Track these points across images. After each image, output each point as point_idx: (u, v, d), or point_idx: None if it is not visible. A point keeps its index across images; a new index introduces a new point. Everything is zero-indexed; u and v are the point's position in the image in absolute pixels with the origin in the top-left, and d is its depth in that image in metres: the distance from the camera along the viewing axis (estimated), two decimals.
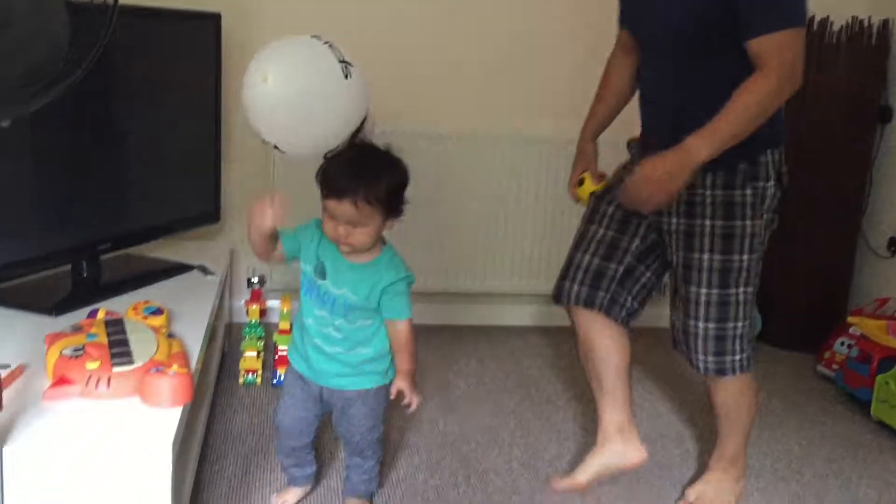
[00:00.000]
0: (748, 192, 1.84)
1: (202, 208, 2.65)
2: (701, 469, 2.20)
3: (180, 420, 1.48)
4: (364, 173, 1.69)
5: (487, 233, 3.19)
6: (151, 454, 1.39)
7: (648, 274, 2.02)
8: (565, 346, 3.08)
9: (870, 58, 3.01)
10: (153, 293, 2.19)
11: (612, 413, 2.07)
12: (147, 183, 2.37)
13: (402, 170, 1.73)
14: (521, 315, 3.32)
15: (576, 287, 2.01)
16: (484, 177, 3.13)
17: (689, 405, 2.64)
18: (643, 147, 1.95)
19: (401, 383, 1.75)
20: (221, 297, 2.64)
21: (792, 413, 2.67)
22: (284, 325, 2.62)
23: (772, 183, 1.87)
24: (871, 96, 3.05)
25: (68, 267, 2.17)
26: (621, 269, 2.00)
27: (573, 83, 2.66)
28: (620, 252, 2.00)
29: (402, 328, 1.79)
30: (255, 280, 2.86)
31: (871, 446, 2.47)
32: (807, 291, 3.16)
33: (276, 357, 2.58)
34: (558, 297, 2.06)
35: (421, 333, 3.12)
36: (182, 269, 2.42)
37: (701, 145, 1.70)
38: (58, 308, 1.96)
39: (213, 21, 2.51)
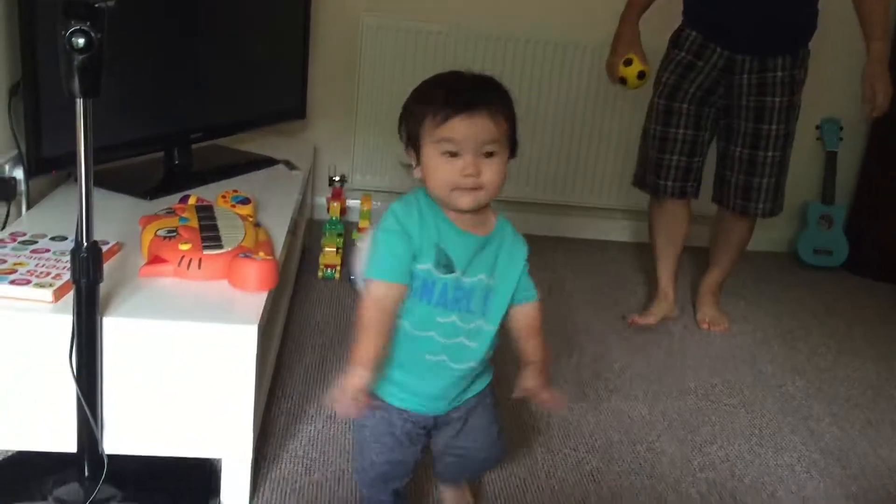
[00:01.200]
0: (803, 70, 2.32)
1: (289, 104, 2.68)
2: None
3: (265, 304, 1.54)
4: (491, 82, 1.35)
5: (563, 143, 3.15)
6: (239, 333, 1.45)
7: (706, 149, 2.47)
8: (642, 259, 3.06)
9: None
10: (241, 183, 2.24)
11: (671, 275, 2.59)
12: (236, 76, 2.41)
13: None
14: (598, 228, 3.30)
15: (670, 184, 2.45)
16: (561, 84, 3.08)
17: None
18: (708, 30, 2.32)
19: (536, 379, 1.37)
20: (304, 193, 2.70)
21: (873, 342, 2.61)
22: (364, 224, 2.66)
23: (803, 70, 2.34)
24: None
25: (161, 154, 2.24)
26: (702, 161, 2.45)
27: None
28: (699, 147, 2.42)
29: (537, 310, 1.38)
30: (337, 178, 2.90)
31: None
32: None
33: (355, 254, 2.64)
34: (656, 191, 2.48)
35: None
36: (268, 162, 2.47)
37: (884, 47, 2.28)
38: (152, 192, 2.03)
39: None
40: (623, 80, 2.36)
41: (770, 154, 2.33)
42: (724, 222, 2.54)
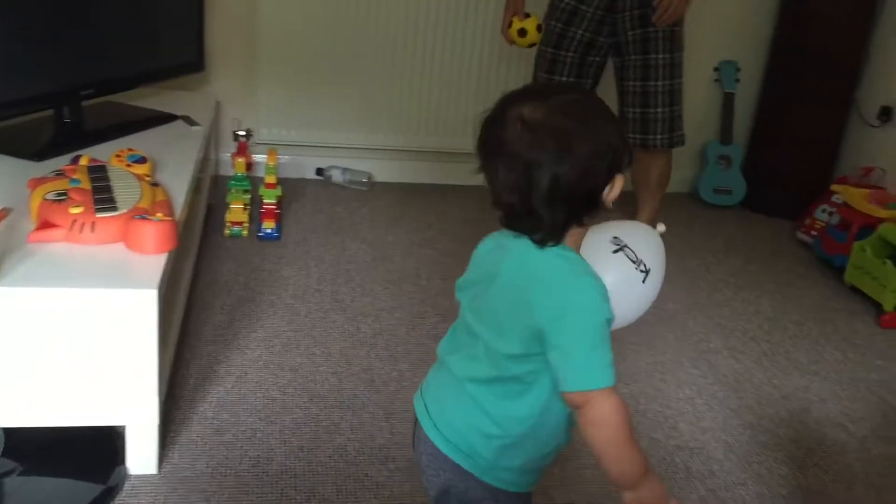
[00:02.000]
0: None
1: (186, 56, 2.59)
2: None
3: (165, 266, 1.51)
4: None
5: (478, 91, 3.15)
6: (137, 298, 1.42)
7: None
8: None
9: None
10: (137, 142, 2.16)
11: None
12: (129, 27, 2.30)
13: None
14: None
15: None
16: (478, 38, 3.06)
17: None
18: None
19: None
20: (207, 149, 2.63)
21: (767, 277, 2.73)
22: (271, 179, 2.62)
23: None
24: None
25: (51, 112, 2.14)
26: None
27: None
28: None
29: None
30: (242, 133, 2.83)
31: (841, 310, 2.55)
32: (795, 160, 3.17)
33: (263, 210, 2.60)
34: None
35: (406, 190, 3.15)
36: (166, 118, 2.39)
37: None
38: (40, 153, 1.94)
39: None
40: (511, 41, 2.49)
41: (661, 83, 2.42)
42: (637, 163, 2.62)
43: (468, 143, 3.25)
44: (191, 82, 2.83)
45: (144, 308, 1.42)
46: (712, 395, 2.02)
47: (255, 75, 3.00)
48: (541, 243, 1.02)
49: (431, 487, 1.13)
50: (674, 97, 2.45)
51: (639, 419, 1.88)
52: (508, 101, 1.03)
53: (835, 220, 2.84)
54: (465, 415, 1.06)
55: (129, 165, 1.82)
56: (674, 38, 2.40)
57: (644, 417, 1.90)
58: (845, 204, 2.81)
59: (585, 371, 0.97)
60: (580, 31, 2.44)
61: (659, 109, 2.45)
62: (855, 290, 2.63)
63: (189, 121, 2.43)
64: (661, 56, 2.40)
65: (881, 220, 2.61)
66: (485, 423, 1.05)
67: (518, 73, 3.14)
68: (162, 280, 1.47)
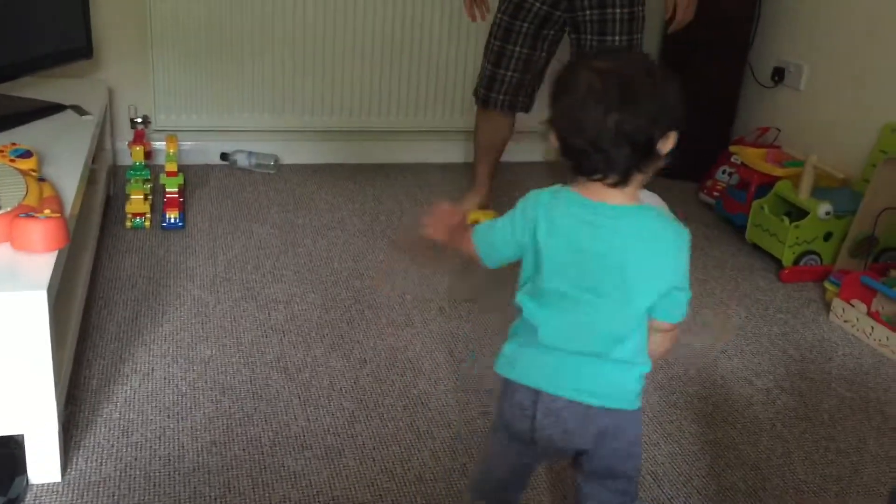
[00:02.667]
0: None
1: (73, 42, 2.47)
2: None
3: (55, 265, 1.44)
4: None
5: (383, 69, 3.11)
6: (26, 300, 1.35)
7: (543, 68, 2.56)
8: (462, 181, 3.11)
9: None
10: (22, 135, 2.06)
11: (488, 173, 2.75)
12: (6, 14, 2.18)
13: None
14: (418, 152, 3.30)
15: (501, 97, 2.56)
16: (381, 14, 3.01)
17: None
18: None
19: None
20: (101, 139, 2.53)
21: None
22: (171, 167, 2.53)
23: None
24: None
25: None
26: (533, 77, 2.55)
27: None
28: (533, 64, 2.52)
29: None
30: (139, 120, 2.74)
31: (744, 268, 2.63)
32: (692, 122, 3.22)
33: (165, 199, 2.52)
34: (486, 104, 2.59)
35: (314, 171, 3.10)
36: (54, 108, 2.29)
37: None
38: None
39: None
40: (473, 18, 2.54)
41: None
42: None
43: (375, 121, 3.25)
44: (80, 69, 2.70)
45: (34, 310, 1.36)
46: None
47: (150, 59, 2.89)
48: (614, 185, 1.16)
49: (575, 446, 1.26)
50: None
51: None
52: (583, 57, 1.36)
53: (734, 180, 2.93)
54: (610, 368, 1.21)
55: (12, 161, 1.73)
56: (633, 20, 2.39)
57: None
58: (743, 164, 2.89)
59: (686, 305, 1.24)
60: (537, 4, 2.43)
61: None
62: (756, 248, 2.72)
63: (79, 110, 2.32)
64: (617, 38, 2.39)
65: (778, 179, 2.70)
66: (626, 365, 1.22)
67: (424, 49, 3.11)
68: (52, 280, 1.41)
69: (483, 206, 2.76)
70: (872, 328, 2.21)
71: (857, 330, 2.26)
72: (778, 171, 2.74)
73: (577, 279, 1.18)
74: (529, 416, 1.24)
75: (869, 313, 2.25)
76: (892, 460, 1.77)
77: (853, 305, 2.29)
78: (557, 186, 1.23)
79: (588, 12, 2.39)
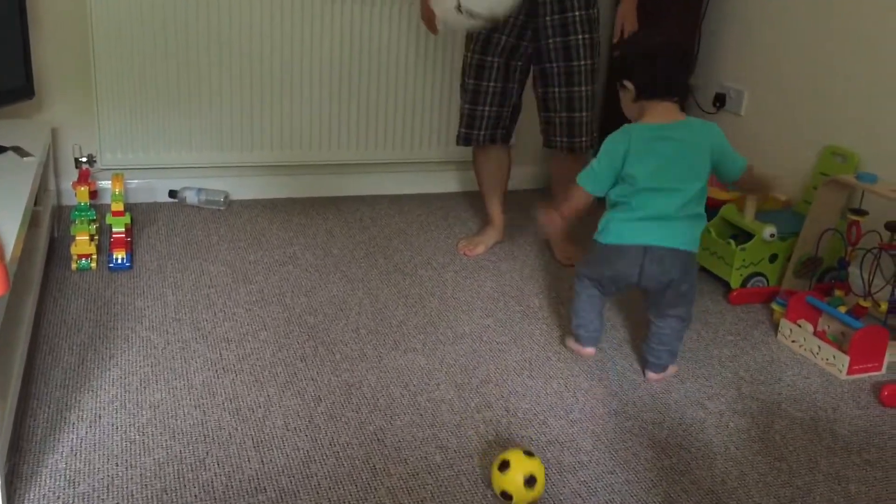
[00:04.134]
0: (595, 10, 2.52)
1: (12, 83, 2.43)
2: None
3: None
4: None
5: (332, 103, 3.11)
6: None
7: (518, 99, 2.69)
8: (414, 213, 3.12)
9: None
10: None
11: (499, 207, 2.87)
12: None
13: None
14: (369, 184, 3.30)
15: (482, 132, 2.68)
16: (328, 48, 3.02)
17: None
18: None
19: None
20: (45, 180, 2.48)
21: None
22: (118, 207, 2.49)
23: (594, 9, 2.55)
24: None
25: None
26: (510, 109, 2.67)
27: None
28: (508, 97, 2.65)
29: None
30: (83, 159, 2.69)
31: None
32: None
33: (112, 239, 2.48)
34: (468, 141, 2.71)
35: (264, 206, 3.08)
36: None
37: None
38: None
39: None
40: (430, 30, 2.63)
41: (584, 88, 2.55)
42: (558, 165, 2.76)
43: (325, 154, 3.24)
44: (21, 109, 2.67)
45: None
46: (578, 386, 2.07)
47: (94, 97, 2.85)
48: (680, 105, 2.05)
49: (669, 277, 2.00)
50: (594, 101, 2.61)
51: (509, 419, 1.91)
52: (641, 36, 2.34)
53: None
54: (690, 224, 2.01)
55: None
56: (593, 45, 2.53)
57: (514, 417, 1.92)
58: None
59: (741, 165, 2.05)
60: (504, 37, 2.54)
61: (584, 113, 2.58)
62: (704, 271, 2.76)
63: (20, 151, 2.28)
64: (582, 63, 2.53)
65: (723, 202, 2.75)
66: (696, 220, 2.02)
67: (373, 82, 3.12)
68: None
69: (499, 241, 2.88)
70: (819, 347, 2.26)
71: (805, 350, 2.30)
72: (723, 195, 2.79)
73: (664, 176, 1.96)
74: (638, 264, 1.99)
75: (815, 333, 2.30)
76: (844, 479, 1.80)
77: (800, 325, 2.33)
78: (625, 126, 2.04)
79: (552, 40, 2.51)
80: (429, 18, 2.59)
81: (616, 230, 2.01)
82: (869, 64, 2.61)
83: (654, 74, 2.00)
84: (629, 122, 2.08)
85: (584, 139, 2.61)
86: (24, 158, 2.26)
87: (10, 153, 2.27)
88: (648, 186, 1.96)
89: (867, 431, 1.97)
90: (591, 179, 2.06)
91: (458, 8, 2.15)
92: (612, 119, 3.24)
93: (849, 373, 2.19)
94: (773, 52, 2.97)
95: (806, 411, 2.04)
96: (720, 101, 3.20)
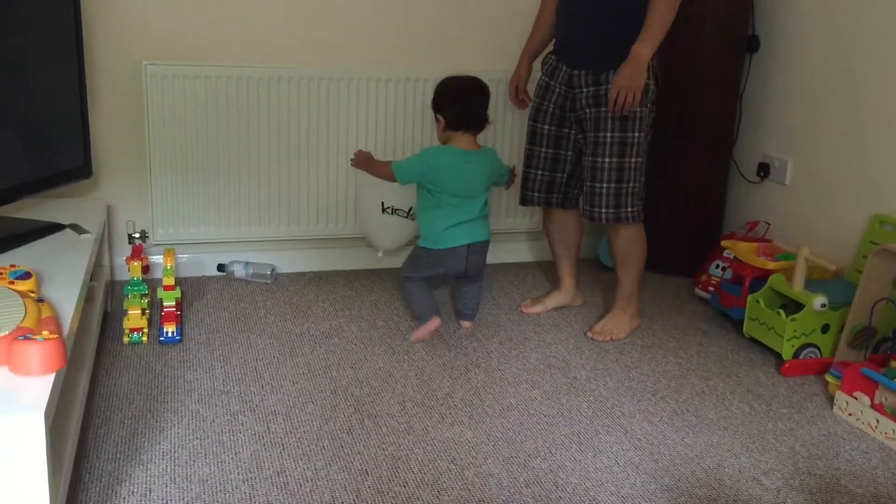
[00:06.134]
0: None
1: (72, 164, 2.52)
2: (588, 387, 2.29)
3: (53, 387, 1.43)
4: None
5: None
6: (23, 426, 1.34)
7: (574, 167, 2.75)
8: (454, 286, 3.13)
9: None
10: (22, 256, 2.09)
11: (566, 271, 2.93)
12: (8, 138, 2.24)
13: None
14: None
15: (535, 194, 2.80)
16: (372, 125, 3.10)
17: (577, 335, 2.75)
18: (557, 51, 2.67)
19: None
20: (100, 255, 2.55)
21: (671, 335, 2.80)
22: (169, 281, 2.55)
23: (650, 81, 2.51)
24: (738, 26, 3.15)
25: None
26: (565, 175, 2.75)
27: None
28: (560, 163, 2.74)
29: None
30: (137, 235, 2.77)
31: (744, 362, 2.63)
32: (684, 218, 3.29)
33: (163, 314, 2.52)
34: (523, 201, 2.85)
35: (311, 279, 3.12)
36: (53, 228, 2.32)
37: (644, 49, 2.43)
38: None
39: None
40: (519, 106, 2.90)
41: (607, 160, 2.56)
42: (609, 238, 2.79)
43: None
44: (79, 188, 2.76)
45: (31, 435, 1.35)
46: (629, 461, 2.03)
47: (148, 176, 2.94)
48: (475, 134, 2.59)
49: (479, 267, 2.65)
50: (623, 174, 2.57)
51: (559, 495, 1.87)
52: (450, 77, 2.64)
53: (728, 274, 2.95)
54: (486, 221, 2.64)
55: (11, 283, 1.74)
56: (624, 118, 2.52)
57: (564, 493, 1.89)
58: (736, 258, 2.92)
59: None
60: (551, 105, 2.67)
61: (604, 185, 2.58)
62: (755, 342, 2.72)
63: (78, 229, 2.36)
64: (609, 134, 2.54)
65: (771, 272, 2.72)
66: (487, 217, 2.65)
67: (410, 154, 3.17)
68: (50, 403, 1.40)
69: (567, 304, 2.95)
70: (878, 421, 2.19)
71: (863, 423, 2.24)
72: (771, 265, 2.76)
73: (469, 189, 2.55)
74: (465, 258, 2.57)
75: (873, 406, 2.24)
76: None
77: (856, 398, 2.27)
78: (441, 146, 2.60)
79: (587, 110, 2.57)
80: (515, 91, 2.83)
81: (447, 237, 2.55)
82: None
83: (460, 112, 2.53)
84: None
85: (603, 210, 2.59)
86: (82, 235, 2.32)
87: (68, 230, 2.34)
88: (459, 194, 2.53)
89: None
90: (401, 171, 2.55)
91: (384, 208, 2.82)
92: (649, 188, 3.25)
93: None
94: (816, 120, 2.97)
95: (867, 487, 1.97)
96: (764, 170, 3.20)
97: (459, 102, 2.53)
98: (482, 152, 2.59)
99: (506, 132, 3.21)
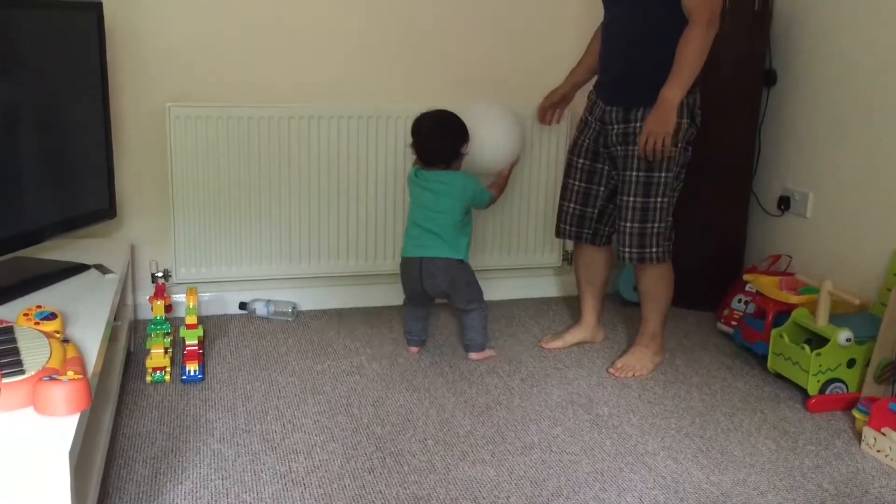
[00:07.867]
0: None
1: (96, 205, 2.56)
2: (613, 424, 2.27)
3: (77, 428, 1.44)
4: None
5: (395, 214, 3.19)
6: (48, 466, 1.35)
7: (612, 207, 2.73)
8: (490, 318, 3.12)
9: (754, 22, 3.12)
10: (48, 296, 2.12)
11: (589, 306, 2.92)
12: (34, 180, 2.28)
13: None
14: None
15: (566, 227, 2.82)
16: (392, 162, 3.13)
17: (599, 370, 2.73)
18: (596, 86, 2.70)
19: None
20: (124, 295, 2.58)
21: (694, 370, 2.78)
22: (191, 320, 2.57)
23: (686, 119, 2.50)
24: (756, 60, 3.16)
25: None
26: (595, 211, 2.75)
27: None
28: (592, 198, 2.75)
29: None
30: (160, 274, 2.79)
31: (769, 398, 2.59)
32: (704, 252, 3.28)
33: (185, 352, 2.54)
34: (557, 233, 2.86)
35: (331, 316, 3.13)
36: (78, 269, 2.35)
37: (672, 92, 2.41)
38: None
39: (94, 10, 2.42)
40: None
41: (632, 199, 2.56)
42: (636, 276, 2.78)
43: (389, 264, 3.28)
44: (103, 229, 2.80)
45: (56, 474, 1.36)
46: (654, 499, 2.00)
47: (171, 216, 2.98)
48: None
49: (436, 286, 2.70)
50: (648, 214, 2.56)
51: None
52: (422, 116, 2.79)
53: (751, 308, 2.93)
54: (444, 238, 2.70)
55: (37, 323, 1.77)
56: (652, 160, 2.50)
57: None
58: (759, 293, 2.90)
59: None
60: (587, 140, 2.69)
61: (629, 224, 2.59)
62: (780, 377, 2.69)
63: (102, 269, 2.38)
64: (635, 173, 2.54)
65: (794, 306, 2.70)
66: (455, 232, 2.70)
67: None
68: (74, 443, 1.41)
69: (587, 340, 2.93)
70: None
71: (891, 460, 2.20)
72: (794, 299, 2.74)
73: (422, 206, 2.71)
74: (419, 269, 2.71)
75: None
76: None
77: (885, 434, 2.23)
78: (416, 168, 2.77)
79: (618, 148, 2.58)
80: (543, 109, 2.94)
81: (406, 245, 2.78)
82: None
83: (413, 145, 2.72)
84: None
85: (627, 250, 2.60)
86: (106, 276, 2.35)
87: (92, 270, 2.37)
88: (415, 217, 2.75)
89: None
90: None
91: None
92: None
93: None
94: (835, 153, 2.96)
95: None
96: (784, 203, 3.18)
97: (412, 135, 2.71)
98: (447, 174, 2.70)
99: (541, 165, 3.25)
